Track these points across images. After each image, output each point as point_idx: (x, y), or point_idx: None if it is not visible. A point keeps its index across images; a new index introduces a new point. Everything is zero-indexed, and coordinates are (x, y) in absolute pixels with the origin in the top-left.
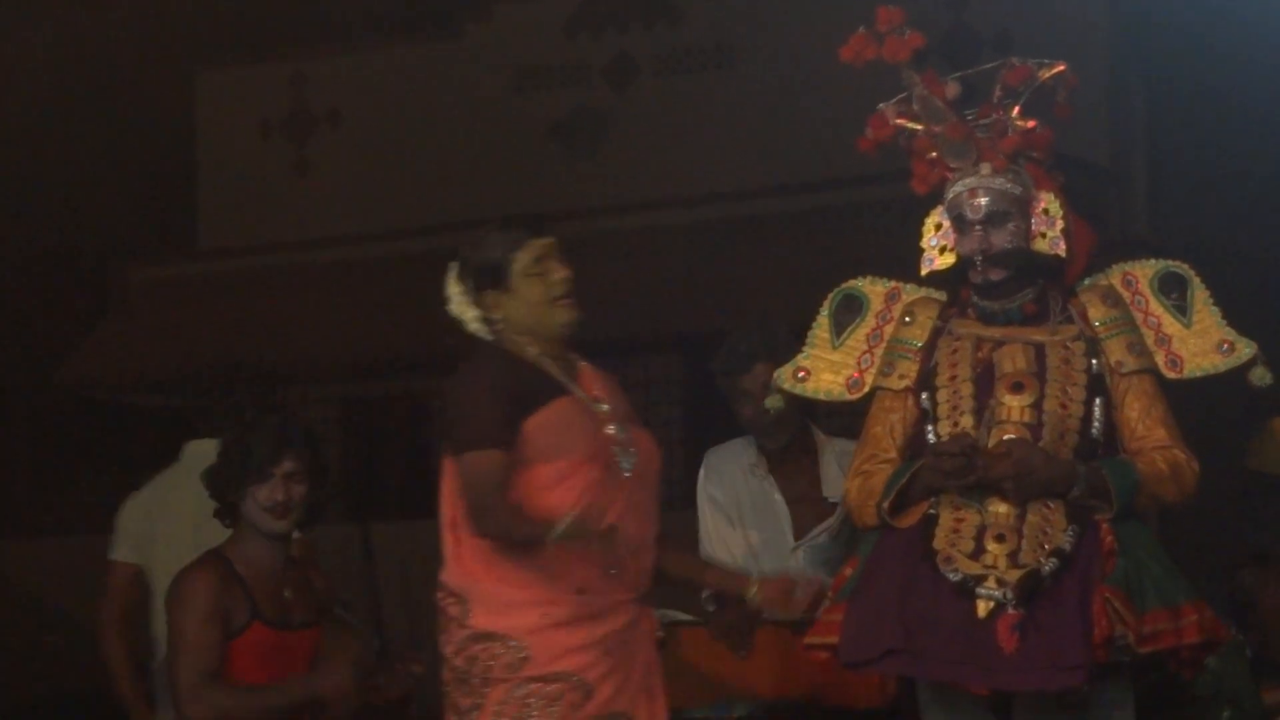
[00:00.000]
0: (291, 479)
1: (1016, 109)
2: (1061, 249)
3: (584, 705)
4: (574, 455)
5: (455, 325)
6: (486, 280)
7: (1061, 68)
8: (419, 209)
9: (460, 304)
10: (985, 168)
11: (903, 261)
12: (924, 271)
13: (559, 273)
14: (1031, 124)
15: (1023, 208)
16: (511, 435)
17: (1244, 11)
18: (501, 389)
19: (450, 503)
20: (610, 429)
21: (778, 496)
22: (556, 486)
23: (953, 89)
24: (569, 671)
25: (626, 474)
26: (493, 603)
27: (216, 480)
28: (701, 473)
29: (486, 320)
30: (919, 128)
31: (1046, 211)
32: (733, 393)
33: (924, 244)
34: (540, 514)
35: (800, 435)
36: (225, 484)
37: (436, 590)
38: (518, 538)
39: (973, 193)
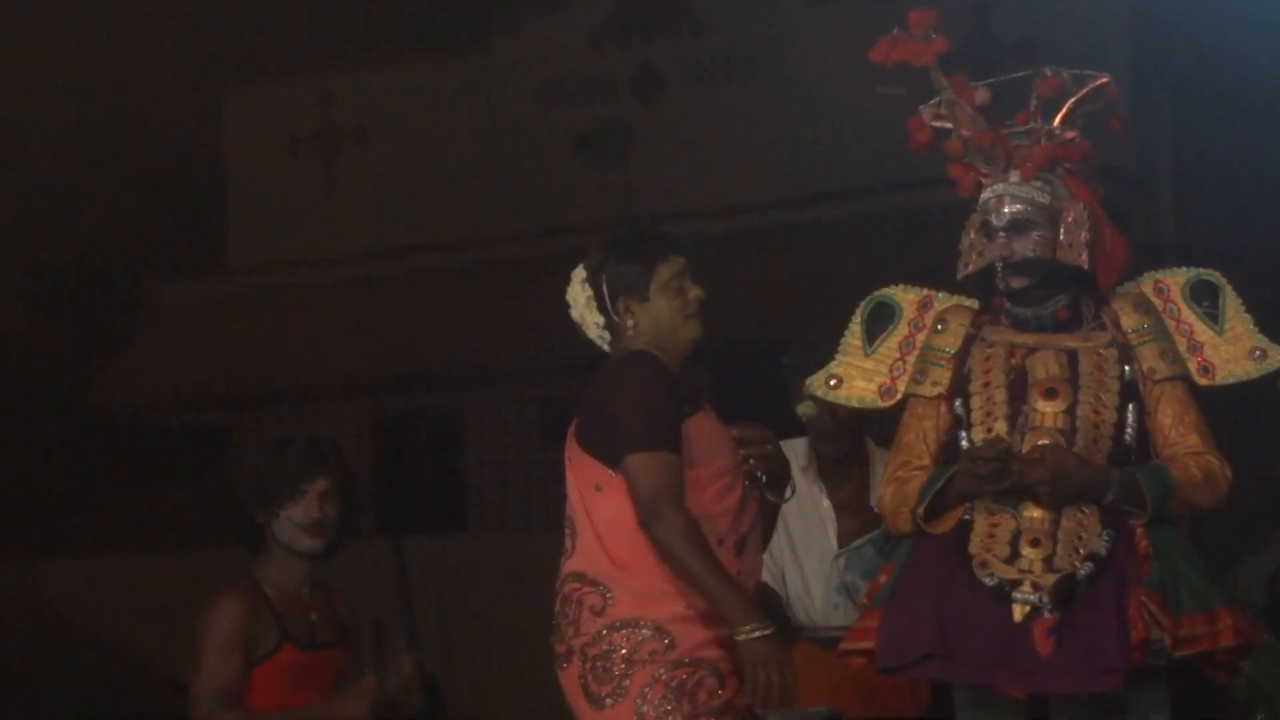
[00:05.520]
0: (325, 497)
1: (1058, 118)
2: (1084, 260)
3: (719, 693)
4: (720, 464)
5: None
6: (624, 287)
7: (1104, 79)
8: (447, 224)
9: (585, 308)
10: (1014, 175)
11: (929, 270)
12: (960, 274)
13: (692, 291)
14: (1071, 134)
15: (1051, 217)
16: (679, 438)
17: (1269, 15)
18: (665, 390)
19: (583, 494)
20: (739, 451)
21: (826, 502)
22: (705, 489)
23: (982, 94)
24: (710, 659)
25: (750, 493)
26: (640, 591)
27: (247, 501)
28: None
29: (610, 327)
30: (951, 127)
31: (1074, 221)
32: (799, 391)
33: (962, 246)
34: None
35: (855, 443)
36: (256, 504)
37: (564, 584)
38: (685, 554)
39: (1000, 200)
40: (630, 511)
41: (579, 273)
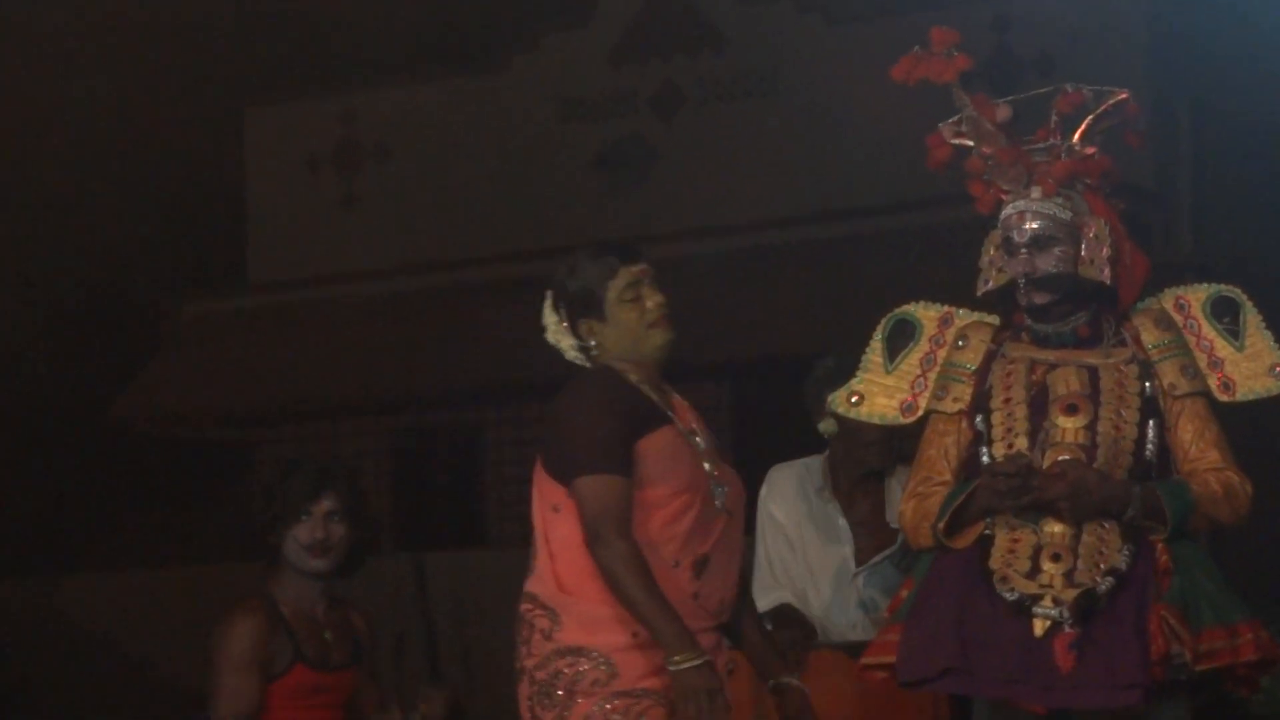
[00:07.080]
0: (330, 518)
1: (1078, 134)
2: (1106, 275)
3: None
4: (677, 483)
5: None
6: (581, 309)
7: (1123, 95)
8: (467, 241)
9: (556, 332)
10: (1035, 191)
11: (948, 286)
12: (980, 290)
13: (653, 298)
14: (1091, 150)
15: (1072, 233)
16: (630, 460)
17: None
18: (618, 411)
19: (543, 515)
20: (706, 465)
21: (842, 521)
22: (657, 512)
23: (1004, 112)
24: (654, 689)
25: (719, 509)
26: (585, 618)
27: (258, 521)
28: (764, 489)
29: (583, 348)
30: (971, 144)
31: (1096, 237)
32: (821, 409)
33: (982, 263)
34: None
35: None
36: (266, 523)
37: (521, 602)
38: (624, 579)
39: (1021, 216)
40: (581, 535)
41: (548, 296)
